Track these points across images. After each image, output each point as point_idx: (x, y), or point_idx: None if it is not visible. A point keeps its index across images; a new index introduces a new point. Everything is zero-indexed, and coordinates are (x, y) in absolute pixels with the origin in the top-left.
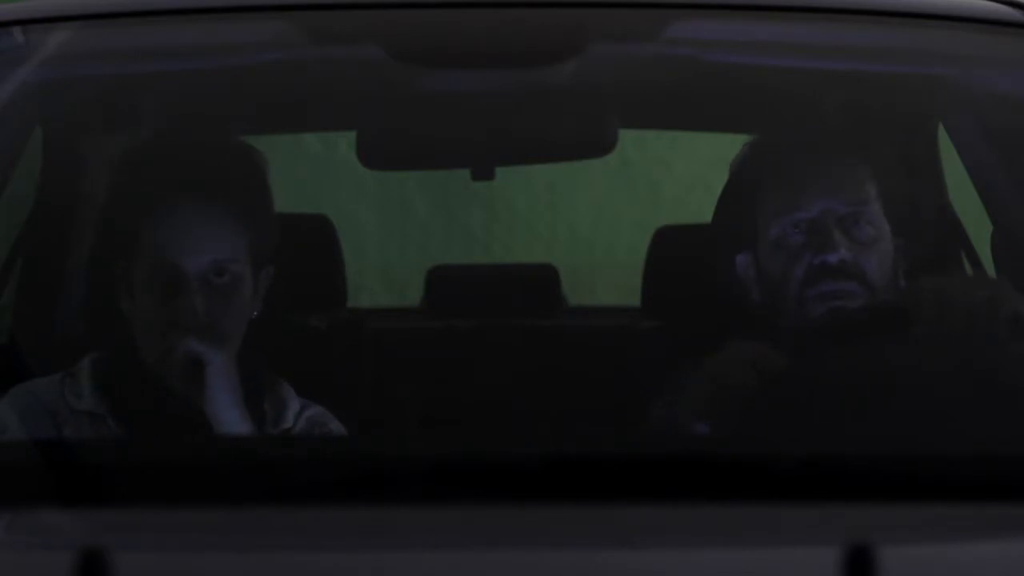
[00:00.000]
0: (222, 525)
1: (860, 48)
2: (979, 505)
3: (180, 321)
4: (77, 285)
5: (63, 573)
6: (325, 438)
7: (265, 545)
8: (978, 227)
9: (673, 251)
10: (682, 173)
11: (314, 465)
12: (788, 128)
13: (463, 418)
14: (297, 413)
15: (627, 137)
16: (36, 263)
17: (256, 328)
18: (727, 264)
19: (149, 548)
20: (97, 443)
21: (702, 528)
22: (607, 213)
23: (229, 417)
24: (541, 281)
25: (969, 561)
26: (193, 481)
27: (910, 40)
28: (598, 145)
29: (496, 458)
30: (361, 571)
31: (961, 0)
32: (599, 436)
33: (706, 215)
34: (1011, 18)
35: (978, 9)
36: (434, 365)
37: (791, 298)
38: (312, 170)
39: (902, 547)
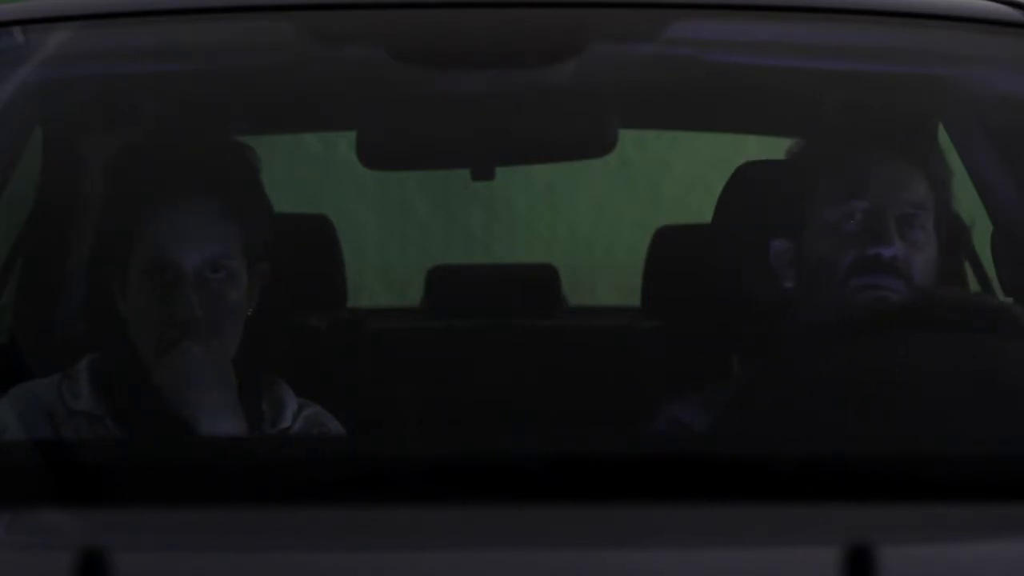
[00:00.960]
0: (222, 525)
1: (860, 48)
2: (979, 505)
3: (176, 318)
4: (77, 285)
5: (63, 573)
6: (325, 438)
7: (265, 545)
8: (978, 227)
9: (673, 251)
10: (682, 173)
11: (314, 465)
12: (791, 129)
13: (463, 418)
14: (295, 412)
15: (627, 137)
16: (36, 263)
17: (255, 328)
18: (727, 264)
19: (149, 548)
20: (97, 443)
21: (702, 528)
22: (607, 213)
23: (225, 414)
24: (541, 281)
25: (969, 561)
26: (193, 481)
27: (910, 40)
28: (598, 145)
29: (496, 458)
30: (361, 571)
31: (961, 0)
32: (599, 436)
33: (706, 215)
34: (1011, 18)
35: (978, 9)
36: (434, 365)
37: (835, 283)
38: (312, 170)
39: (902, 547)
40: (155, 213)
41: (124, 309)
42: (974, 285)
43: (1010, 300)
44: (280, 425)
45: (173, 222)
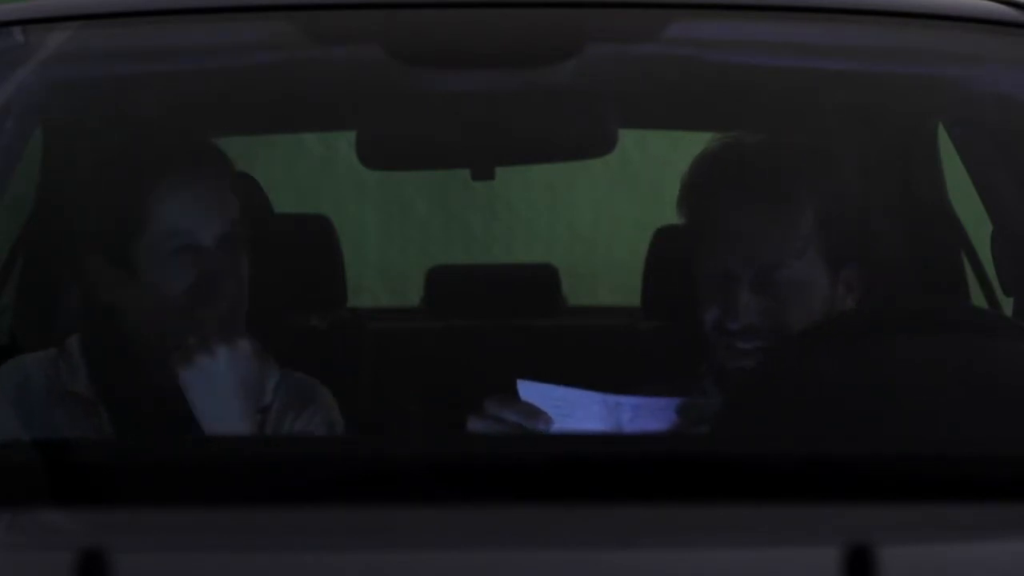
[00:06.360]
0: (222, 525)
1: (860, 48)
2: (979, 505)
3: (201, 292)
4: (77, 285)
5: (63, 573)
6: (325, 438)
7: (265, 545)
8: (978, 227)
9: (673, 251)
10: (682, 173)
11: (314, 465)
12: (791, 129)
13: (463, 418)
14: (277, 382)
15: (627, 137)
16: (36, 263)
17: (257, 328)
18: None
19: (149, 548)
20: (97, 443)
21: (702, 528)
22: (607, 213)
23: (232, 405)
24: (541, 281)
25: (969, 561)
26: (193, 481)
27: (910, 40)
28: (598, 145)
29: (496, 458)
30: (361, 571)
31: (961, 0)
32: (599, 436)
33: None
34: (1011, 18)
35: (978, 9)
36: (434, 365)
37: (709, 334)
38: (312, 170)
39: (902, 547)
40: (162, 190)
41: (129, 292)
42: (974, 285)
43: (1010, 300)
44: (265, 401)
45: (184, 196)
